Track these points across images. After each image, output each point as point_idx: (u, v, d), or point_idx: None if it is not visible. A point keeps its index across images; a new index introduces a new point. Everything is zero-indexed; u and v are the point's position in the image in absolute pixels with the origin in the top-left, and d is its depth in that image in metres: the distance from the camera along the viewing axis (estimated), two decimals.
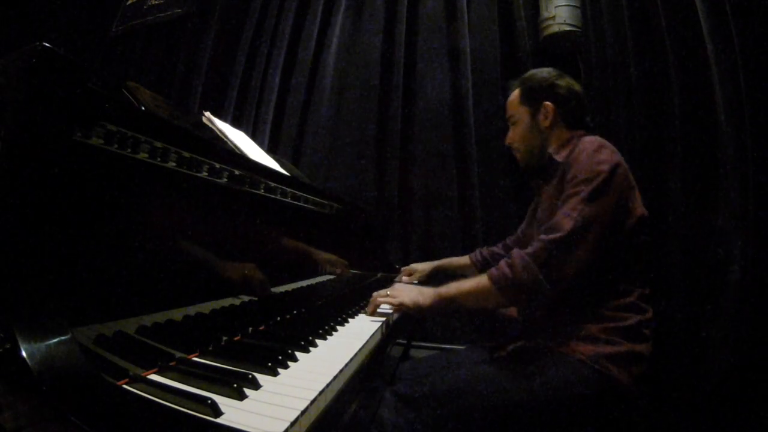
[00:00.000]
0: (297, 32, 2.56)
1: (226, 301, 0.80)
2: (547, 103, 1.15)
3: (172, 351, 0.61)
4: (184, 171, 0.71)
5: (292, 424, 0.46)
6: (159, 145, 0.64)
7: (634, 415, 0.92)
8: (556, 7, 1.86)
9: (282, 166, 1.35)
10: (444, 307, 1.03)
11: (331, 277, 1.41)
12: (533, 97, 1.18)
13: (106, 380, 0.46)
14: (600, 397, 0.89)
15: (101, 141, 0.54)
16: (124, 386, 0.50)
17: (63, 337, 0.43)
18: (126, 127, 0.57)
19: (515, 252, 0.96)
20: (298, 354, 0.68)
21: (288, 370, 0.63)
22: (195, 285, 0.74)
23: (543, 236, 0.94)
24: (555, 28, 1.86)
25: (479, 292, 0.99)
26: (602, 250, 0.94)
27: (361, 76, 2.35)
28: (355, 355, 0.73)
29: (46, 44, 0.45)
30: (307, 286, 1.20)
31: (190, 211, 0.76)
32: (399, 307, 1.06)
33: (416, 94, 2.24)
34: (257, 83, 2.57)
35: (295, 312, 0.99)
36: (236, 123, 2.15)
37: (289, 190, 1.08)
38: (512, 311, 1.16)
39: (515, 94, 1.22)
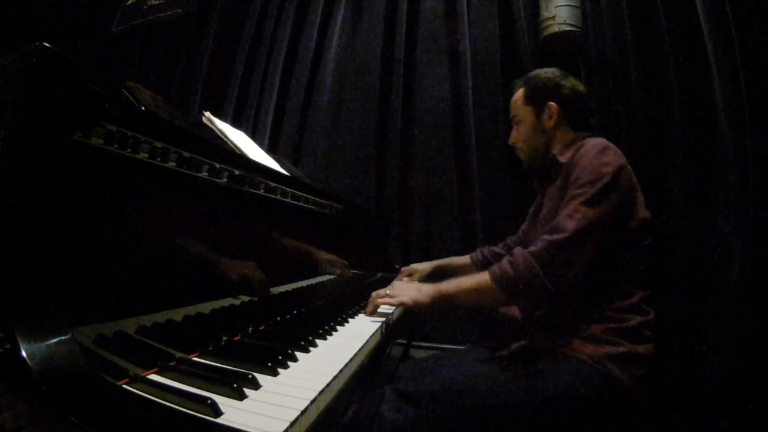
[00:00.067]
0: (297, 32, 2.56)
1: (226, 301, 0.80)
2: (552, 103, 1.15)
3: (172, 351, 0.61)
4: (184, 171, 0.71)
5: (292, 424, 0.46)
6: (159, 145, 0.64)
7: (635, 416, 0.92)
8: (556, 7, 1.85)
9: (282, 166, 1.35)
10: (444, 304, 1.03)
11: (331, 277, 1.41)
12: (537, 97, 1.17)
13: (106, 380, 0.46)
14: (601, 397, 0.89)
15: (101, 141, 0.54)
16: (124, 386, 0.50)
17: (63, 337, 0.43)
18: (126, 127, 0.57)
19: (517, 250, 0.96)
20: (298, 354, 0.68)
21: (288, 370, 0.63)
22: (195, 285, 0.74)
23: (546, 236, 0.94)
24: (555, 28, 1.86)
25: (480, 290, 0.99)
26: (604, 252, 0.94)
27: (361, 76, 2.35)
28: (355, 355, 0.73)
29: (46, 44, 0.45)
30: (307, 286, 1.20)
31: (190, 211, 0.76)
32: (399, 306, 1.06)
33: (416, 94, 2.24)
34: (257, 83, 2.57)
35: (295, 312, 0.99)
36: (236, 123, 2.15)
37: (289, 190, 1.08)
38: (514, 311, 1.16)
39: (519, 93, 1.22)
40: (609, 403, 0.90)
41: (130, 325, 0.58)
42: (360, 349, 0.76)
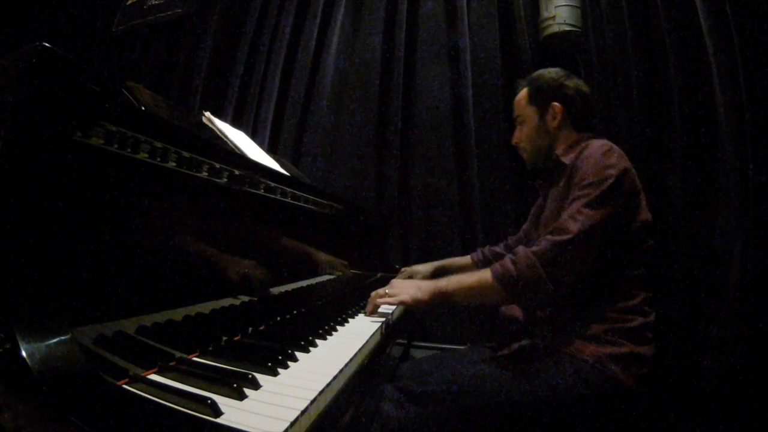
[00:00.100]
0: (297, 32, 2.56)
1: (226, 301, 0.80)
2: (556, 103, 1.14)
3: (172, 351, 0.61)
4: (184, 171, 0.71)
5: (292, 424, 0.46)
6: (159, 145, 0.64)
7: (636, 416, 0.92)
8: (556, 7, 1.85)
9: (282, 166, 1.35)
10: (443, 301, 1.03)
11: (331, 277, 1.41)
12: (541, 97, 1.17)
13: (106, 380, 0.46)
14: (603, 397, 0.89)
15: (101, 141, 0.54)
16: (124, 386, 0.50)
17: (63, 337, 0.43)
18: (126, 127, 0.57)
19: (520, 249, 0.96)
20: (298, 354, 0.69)
21: (288, 370, 0.63)
22: (195, 285, 0.74)
23: (549, 236, 0.94)
24: (555, 28, 1.86)
25: (480, 288, 0.99)
26: (606, 254, 0.94)
27: (361, 76, 2.35)
28: (355, 355, 0.73)
29: (46, 44, 0.45)
30: (307, 286, 1.20)
31: (190, 211, 0.76)
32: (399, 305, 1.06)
33: (416, 94, 2.24)
34: (257, 83, 2.57)
35: (295, 312, 0.99)
36: (236, 123, 2.16)
37: (289, 190, 1.08)
38: (515, 311, 1.16)
39: (523, 93, 1.22)
40: (610, 402, 0.90)
41: (130, 325, 0.58)
42: (360, 349, 0.76)
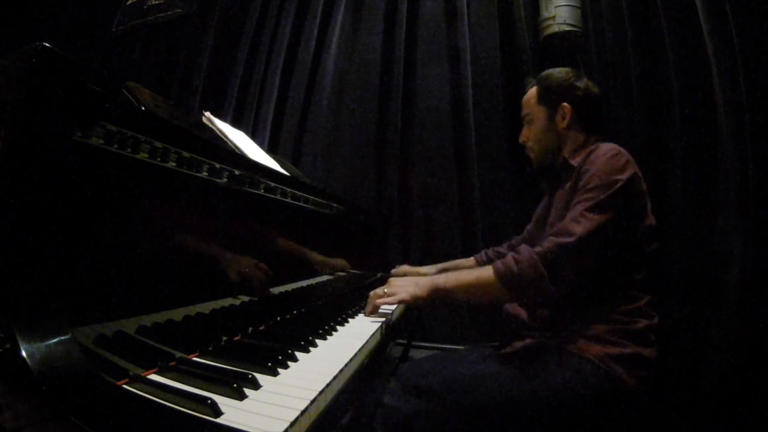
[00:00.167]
0: (297, 32, 2.56)
1: (226, 301, 0.80)
2: (565, 104, 1.14)
3: (172, 351, 0.61)
4: (184, 171, 0.71)
5: (292, 424, 0.46)
6: (159, 145, 0.64)
7: (637, 416, 0.93)
8: (556, 7, 1.85)
9: (282, 166, 1.35)
10: (442, 297, 1.03)
11: (331, 277, 1.41)
12: (551, 97, 1.16)
13: (106, 380, 0.46)
14: (605, 397, 0.89)
15: (101, 141, 0.54)
16: (124, 386, 0.50)
17: (63, 337, 0.43)
18: (126, 127, 0.57)
19: (524, 248, 0.96)
20: (298, 354, 0.68)
21: (288, 370, 0.63)
22: (195, 285, 0.74)
23: (553, 238, 0.94)
24: (555, 28, 1.86)
25: (481, 284, 0.98)
26: (611, 257, 0.94)
27: (361, 76, 2.35)
28: (355, 355, 0.73)
29: (46, 44, 0.45)
30: (307, 286, 1.20)
31: (190, 211, 0.76)
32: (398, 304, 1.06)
33: (416, 94, 2.24)
34: (257, 83, 2.57)
35: (295, 312, 0.99)
36: (236, 123, 2.15)
37: (289, 190, 1.08)
38: (518, 310, 1.16)
39: (532, 92, 1.21)
40: (612, 402, 0.90)
41: (130, 325, 0.58)
42: (360, 349, 0.76)
